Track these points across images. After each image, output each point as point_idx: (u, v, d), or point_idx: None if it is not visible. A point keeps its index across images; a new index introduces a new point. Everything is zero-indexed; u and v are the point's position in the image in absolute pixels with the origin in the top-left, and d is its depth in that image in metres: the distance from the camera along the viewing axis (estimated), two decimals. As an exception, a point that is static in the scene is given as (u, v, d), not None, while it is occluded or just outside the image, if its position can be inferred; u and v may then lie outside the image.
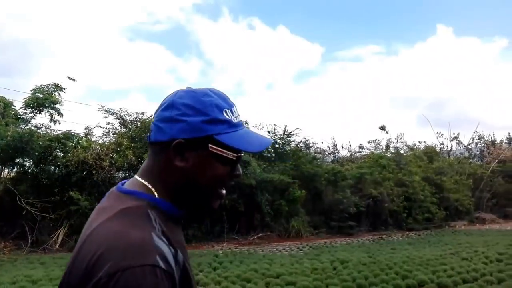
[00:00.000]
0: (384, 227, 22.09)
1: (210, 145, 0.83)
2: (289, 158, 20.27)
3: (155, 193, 0.83)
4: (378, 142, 27.01)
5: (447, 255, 11.11)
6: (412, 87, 52.56)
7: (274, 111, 48.82)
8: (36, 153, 13.72)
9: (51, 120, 14.07)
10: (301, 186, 19.65)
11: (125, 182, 0.91)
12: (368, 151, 26.94)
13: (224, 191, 0.89)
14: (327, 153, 26.16)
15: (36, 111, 14.02)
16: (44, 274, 8.28)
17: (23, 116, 14.06)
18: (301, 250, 13.90)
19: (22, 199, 13.37)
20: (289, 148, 20.98)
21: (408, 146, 28.04)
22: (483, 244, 13.45)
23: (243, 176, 16.39)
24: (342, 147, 25.90)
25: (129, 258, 0.66)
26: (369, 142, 27.12)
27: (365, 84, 55.86)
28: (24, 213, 13.23)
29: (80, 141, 15.66)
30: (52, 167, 14.57)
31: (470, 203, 24.00)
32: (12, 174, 14.94)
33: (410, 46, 61.21)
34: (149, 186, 0.84)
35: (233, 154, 0.85)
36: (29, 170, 14.99)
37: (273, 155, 20.74)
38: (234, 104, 0.90)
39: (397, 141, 27.45)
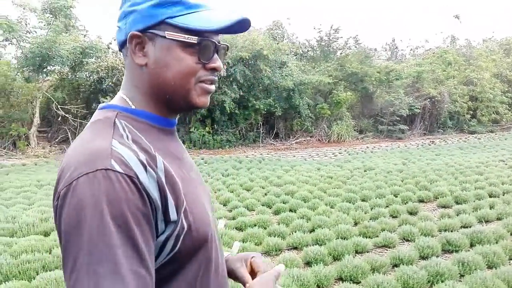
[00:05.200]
0: (443, 131, 20.28)
1: (166, 31, 0.72)
2: (335, 58, 18.50)
3: (130, 103, 0.77)
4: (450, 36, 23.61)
5: (494, 162, 9.67)
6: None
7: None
8: (67, 60, 13.75)
9: (66, 25, 13.80)
10: (348, 87, 18.16)
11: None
12: (434, 47, 23.87)
13: (210, 86, 0.77)
14: (383, 50, 23.60)
15: (52, 17, 13.76)
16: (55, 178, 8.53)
17: (42, 22, 13.89)
18: (335, 155, 13.12)
19: (59, 106, 13.84)
20: (336, 46, 19.05)
21: (483, 39, 24.35)
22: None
23: (280, 79, 15.30)
24: (401, 41, 22.96)
25: (84, 166, 0.65)
26: (435, 34, 23.90)
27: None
28: (59, 118, 13.77)
29: (110, 46, 15.45)
30: (86, 73, 14.63)
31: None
32: (52, 82, 15.38)
33: None
34: (124, 97, 0.79)
35: (194, 37, 0.72)
36: (67, 78, 15.32)
37: (318, 53, 19.06)
38: None
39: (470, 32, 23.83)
